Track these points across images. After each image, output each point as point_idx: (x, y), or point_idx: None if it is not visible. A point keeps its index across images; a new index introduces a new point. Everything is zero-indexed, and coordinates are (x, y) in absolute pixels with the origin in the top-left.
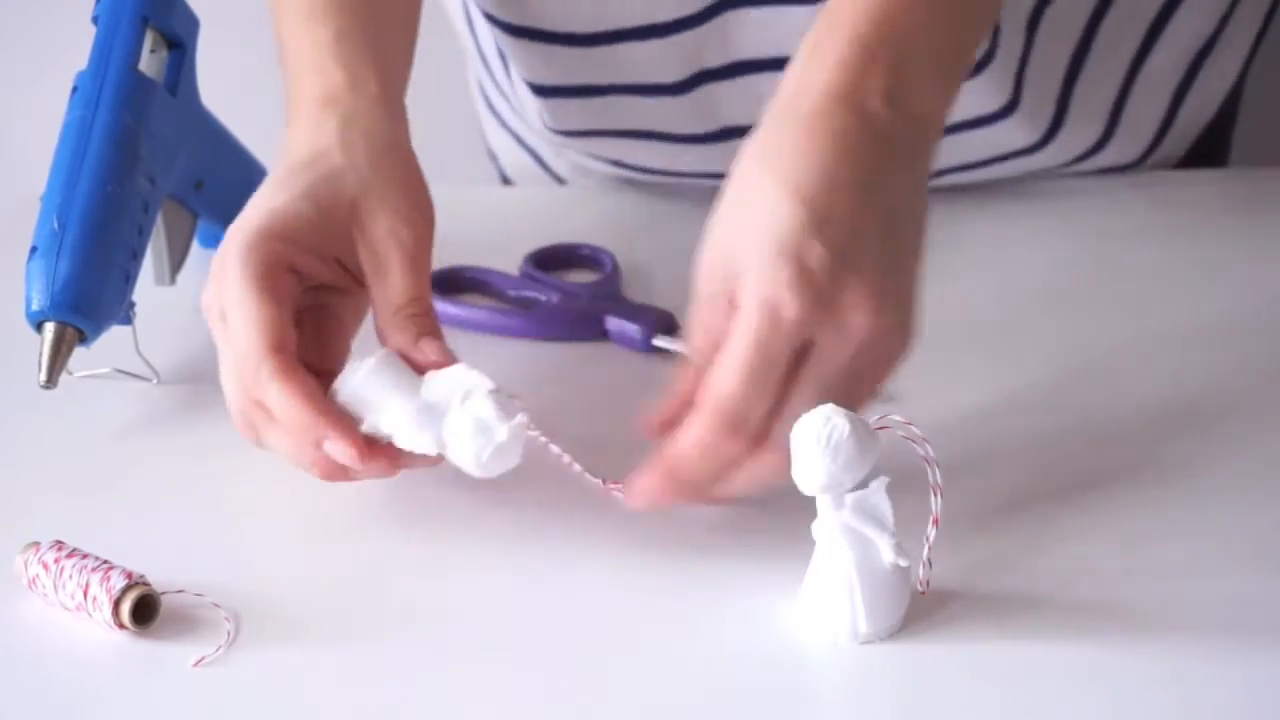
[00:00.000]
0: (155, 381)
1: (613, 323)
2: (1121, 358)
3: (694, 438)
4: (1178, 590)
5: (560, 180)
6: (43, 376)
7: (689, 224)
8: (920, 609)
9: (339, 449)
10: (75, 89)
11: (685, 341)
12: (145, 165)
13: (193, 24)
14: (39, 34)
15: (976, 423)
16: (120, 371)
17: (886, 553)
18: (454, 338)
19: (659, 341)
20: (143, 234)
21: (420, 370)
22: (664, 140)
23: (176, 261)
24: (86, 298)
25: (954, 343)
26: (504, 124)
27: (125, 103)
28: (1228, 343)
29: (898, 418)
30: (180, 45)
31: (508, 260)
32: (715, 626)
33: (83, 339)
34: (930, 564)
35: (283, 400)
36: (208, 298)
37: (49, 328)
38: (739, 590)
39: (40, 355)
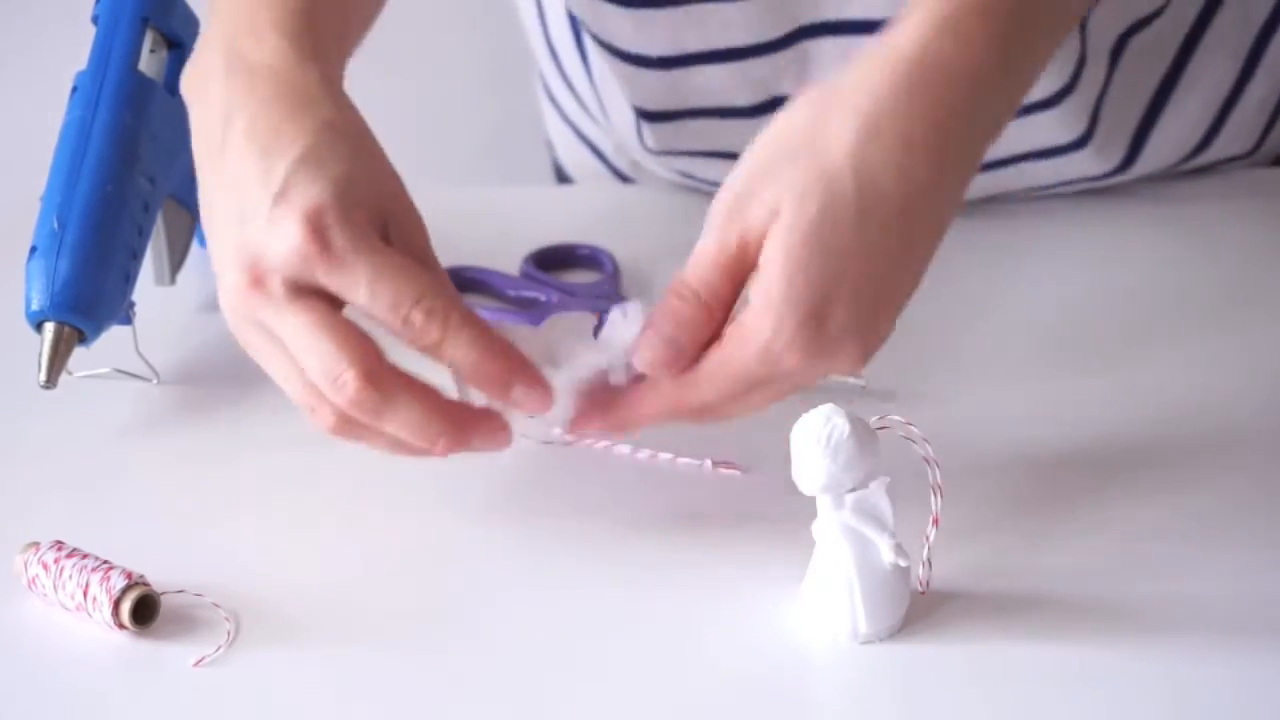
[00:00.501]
0: (155, 381)
1: None
2: (1121, 359)
3: (649, 414)
4: (1177, 590)
5: (620, 175)
6: (42, 376)
7: (689, 224)
8: (920, 609)
9: (533, 395)
10: (75, 89)
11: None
12: (145, 165)
13: (193, 24)
14: (38, 34)
15: (977, 423)
16: (120, 371)
17: (886, 553)
18: None
19: None
20: (143, 234)
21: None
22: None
23: (176, 261)
24: (86, 297)
25: (955, 344)
26: (564, 116)
27: (125, 102)
28: (1227, 343)
29: (898, 418)
30: (180, 45)
31: (508, 260)
32: (715, 626)
33: (82, 339)
34: (930, 564)
35: (474, 348)
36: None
37: (49, 328)
38: (739, 590)
39: (40, 355)
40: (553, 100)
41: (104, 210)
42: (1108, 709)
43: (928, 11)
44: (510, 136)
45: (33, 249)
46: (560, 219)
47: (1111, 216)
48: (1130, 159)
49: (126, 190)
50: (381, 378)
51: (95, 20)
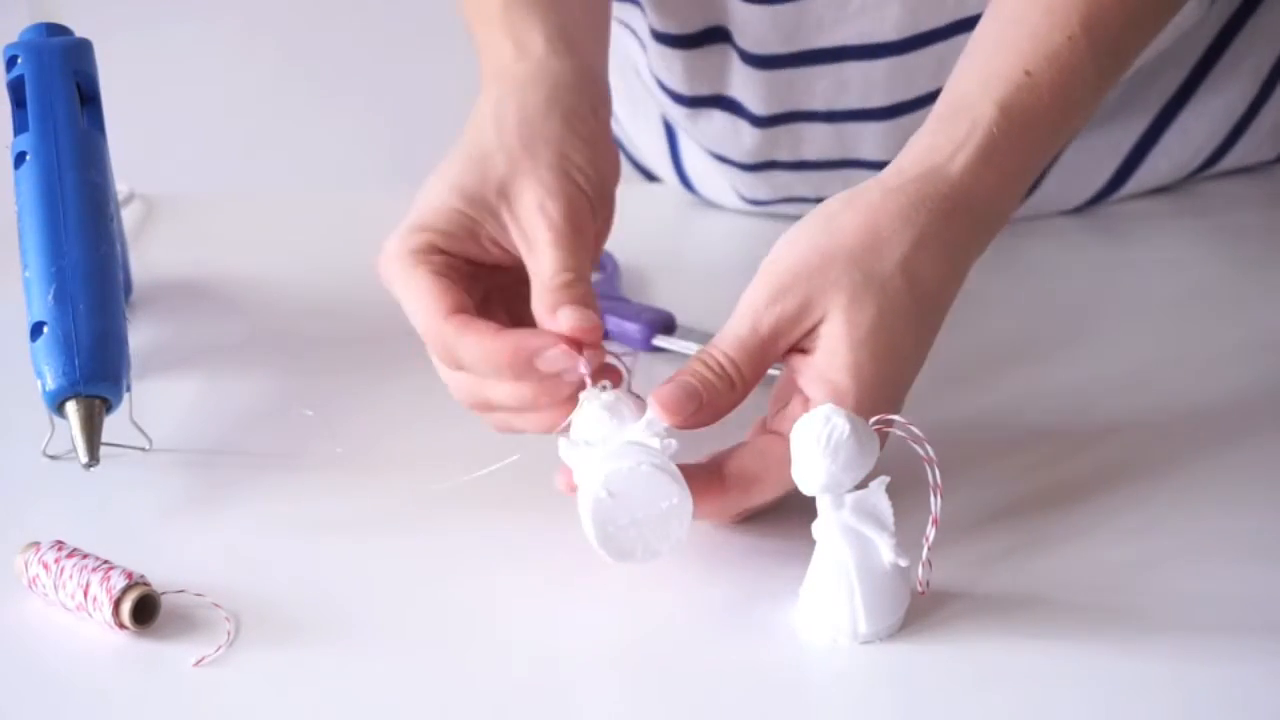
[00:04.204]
0: (148, 448)
1: (613, 323)
2: (1120, 359)
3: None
4: (1177, 590)
5: (649, 175)
6: (84, 457)
7: (689, 225)
8: (920, 609)
9: (553, 355)
10: (22, 156)
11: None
12: (115, 222)
13: (96, 78)
14: None
15: (977, 423)
16: (113, 445)
17: (886, 553)
18: None
19: (659, 341)
20: (125, 295)
21: (574, 345)
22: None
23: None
24: (113, 364)
25: (955, 343)
26: None
27: (88, 162)
28: (1230, 343)
29: (898, 418)
30: (94, 99)
31: None
32: (715, 626)
33: (109, 407)
34: (930, 564)
35: (475, 348)
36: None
37: (74, 406)
38: (739, 590)
39: (73, 435)
40: None
41: (104, 274)
42: (1108, 709)
43: (980, 136)
44: None
45: (37, 327)
46: None
47: (1114, 214)
48: (1117, 183)
49: (113, 250)
50: (457, 318)
51: (12, 86)
